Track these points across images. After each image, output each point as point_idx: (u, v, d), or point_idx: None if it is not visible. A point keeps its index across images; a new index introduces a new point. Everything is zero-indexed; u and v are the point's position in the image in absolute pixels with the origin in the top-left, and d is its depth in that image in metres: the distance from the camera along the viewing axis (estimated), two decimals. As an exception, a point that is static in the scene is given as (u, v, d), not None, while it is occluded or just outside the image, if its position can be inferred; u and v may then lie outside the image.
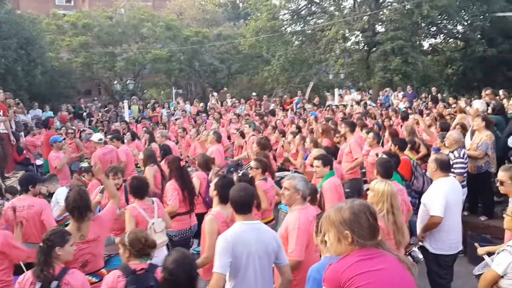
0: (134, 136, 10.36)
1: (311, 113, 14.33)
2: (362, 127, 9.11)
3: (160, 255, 4.21)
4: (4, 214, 5.02)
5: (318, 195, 5.10)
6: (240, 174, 5.18)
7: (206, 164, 6.61)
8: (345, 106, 15.40)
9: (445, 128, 8.32)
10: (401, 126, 10.53)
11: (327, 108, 15.23)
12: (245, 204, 3.59)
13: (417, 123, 9.35)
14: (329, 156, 6.00)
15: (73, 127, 12.62)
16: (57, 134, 10.80)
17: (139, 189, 5.04)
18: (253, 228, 3.53)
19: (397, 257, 2.38)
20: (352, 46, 26.57)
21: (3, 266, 4.34)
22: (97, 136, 8.89)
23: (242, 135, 10.10)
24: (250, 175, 5.25)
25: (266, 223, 5.54)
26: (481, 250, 4.36)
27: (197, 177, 6.32)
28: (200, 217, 5.37)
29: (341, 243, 2.34)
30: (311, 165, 5.97)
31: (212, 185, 4.48)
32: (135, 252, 3.55)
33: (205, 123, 13.82)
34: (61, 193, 6.72)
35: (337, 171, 6.97)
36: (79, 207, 4.24)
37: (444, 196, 4.71)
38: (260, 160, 5.97)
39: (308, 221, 3.95)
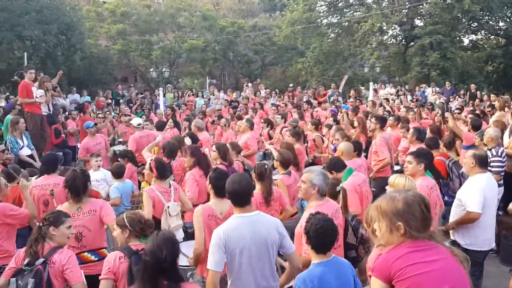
0: (176, 124, 10.63)
1: (342, 106, 14.14)
2: (403, 122, 8.80)
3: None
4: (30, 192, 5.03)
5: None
6: (256, 165, 5.04)
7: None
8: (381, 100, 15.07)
9: (476, 126, 7.96)
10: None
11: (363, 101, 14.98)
12: (240, 196, 3.48)
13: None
14: (340, 160, 5.58)
15: (108, 112, 12.93)
16: (91, 119, 11.12)
17: (161, 169, 5.00)
18: (249, 222, 3.40)
19: (450, 250, 2.35)
20: (389, 40, 26.10)
21: (6, 236, 4.34)
22: (136, 121, 9.15)
23: (270, 125, 10.03)
24: (266, 166, 4.98)
25: (289, 217, 5.38)
26: None
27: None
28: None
29: (393, 234, 2.31)
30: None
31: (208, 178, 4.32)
32: (135, 232, 3.56)
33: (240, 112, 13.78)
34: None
35: (365, 163, 6.77)
36: (76, 187, 4.22)
37: (482, 193, 4.64)
38: (281, 153, 5.77)
39: None
